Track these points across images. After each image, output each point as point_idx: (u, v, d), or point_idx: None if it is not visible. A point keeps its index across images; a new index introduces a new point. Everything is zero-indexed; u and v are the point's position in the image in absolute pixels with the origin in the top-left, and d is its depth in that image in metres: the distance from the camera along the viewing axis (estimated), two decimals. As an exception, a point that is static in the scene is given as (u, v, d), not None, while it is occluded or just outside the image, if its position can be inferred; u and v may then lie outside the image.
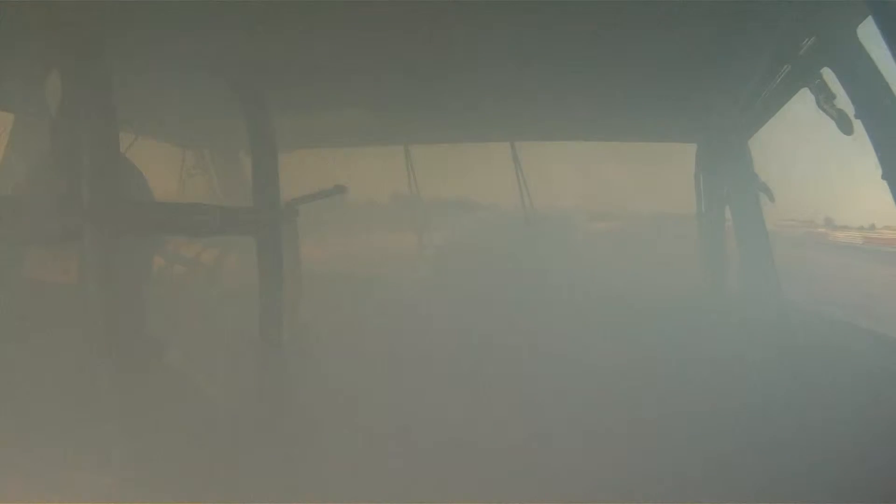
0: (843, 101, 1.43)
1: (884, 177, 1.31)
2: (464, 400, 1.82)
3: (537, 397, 2.15)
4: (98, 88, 0.83)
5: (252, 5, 1.23)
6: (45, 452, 0.91)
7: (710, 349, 2.08)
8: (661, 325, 2.29)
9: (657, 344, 2.18)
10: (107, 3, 0.97)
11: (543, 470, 1.76)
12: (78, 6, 0.86)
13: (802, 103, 1.64)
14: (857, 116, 1.38)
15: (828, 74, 1.46)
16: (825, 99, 1.46)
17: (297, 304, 1.08)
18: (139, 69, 1.26)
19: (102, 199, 0.81)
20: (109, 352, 0.81)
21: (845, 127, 1.43)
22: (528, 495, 1.55)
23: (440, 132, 2.72)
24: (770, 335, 2.04)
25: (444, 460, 1.48)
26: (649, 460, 1.94)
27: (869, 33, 1.23)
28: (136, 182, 1.21)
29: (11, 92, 1.76)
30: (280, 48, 1.52)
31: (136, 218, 0.90)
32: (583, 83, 1.90)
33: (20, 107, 2.02)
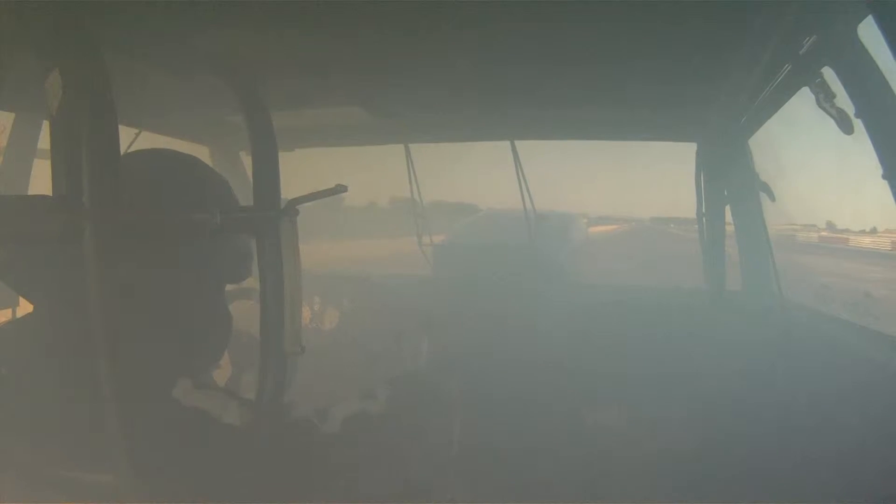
0: (844, 101, 1.43)
1: (884, 176, 1.31)
2: (464, 401, 1.82)
3: (537, 397, 2.15)
4: (98, 88, 0.83)
5: (252, 4, 1.23)
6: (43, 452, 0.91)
7: (709, 349, 2.08)
8: (660, 325, 2.29)
9: (657, 344, 2.19)
10: (107, 2, 0.97)
11: (541, 470, 1.76)
12: (78, 6, 0.86)
13: (802, 102, 1.65)
14: (857, 115, 1.38)
15: (828, 73, 1.46)
16: (825, 98, 1.46)
17: (297, 303, 1.08)
18: (139, 68, 1.26)
19: (102, 199, 0.80)
20: (109, 355, 0.81)
21: (845, 126, 1.42)
22: (527, 495, 1.55)
23: (440, 132, 2.72)
24: (770, 335, 2.04)
25: (444, 464, 1.48)
26: (648, 460, 1.94)
27: (869, 32, 1.23)
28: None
29: (11, 92, 1.76)
30: (280, 47, 1.52)
31: (136, 218, 0.89)
32: (582, 82, 1.90)
33: (20, 107, 2.02)
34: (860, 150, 1.36)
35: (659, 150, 2.77)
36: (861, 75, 1.34)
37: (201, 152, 2.86)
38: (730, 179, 2.35)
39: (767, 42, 1.40)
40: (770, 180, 2.22)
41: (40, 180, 1.99)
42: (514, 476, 1.69)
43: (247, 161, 2.93)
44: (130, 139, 2.22)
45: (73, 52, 0.82)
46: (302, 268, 1.07)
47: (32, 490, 0.89)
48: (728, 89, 1.77)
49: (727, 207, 2.41)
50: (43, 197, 0.85)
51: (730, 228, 2.49)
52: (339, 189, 1.06)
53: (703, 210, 2.43)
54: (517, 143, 2.74)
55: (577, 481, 1.77)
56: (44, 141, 1.73)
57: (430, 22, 1.37)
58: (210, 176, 1.15)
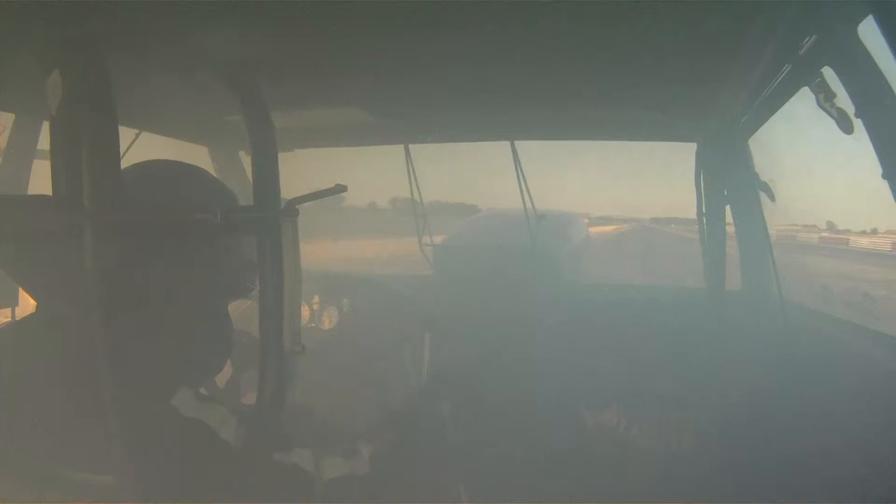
0: (844, 100, 1.43)
1: (884, 176, 1.31)
2: (465, 401, 1.82)
3: (538, 397, 2.16)
4: (98, 88, 0.83)
5: (252, 4, 1.23)
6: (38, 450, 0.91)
7: (709, 349, 2.08)
8: (660, 325, 2.29)
9: (657, 343, 2.19)
10: (107, 2, 0.97)
11: (541, 470, 1.76)
12: (78, 6, 0.86)
13: (802, 102, 1.65)
14: (857, 115, 1.38)
15: (828, 73, 1.46)
16: (825, 98, 1.46)
17: (297, 303, 1.08)
18: (139, 68, 1.26)
19: (102, 199, 0.81)
20: (109, 356, 0.81)
21: (845, 126, 1.42)
22: (526, 495, 1.55)
23: (440, 132, 2.72)
24: (770, 335, 2.04)
25: (442, 466, 1.48)
26: (648, 460, 1.94)
27: (870, 32, 1.23)
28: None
29: (11, 92, 1.76)
30: (280, 47, 1.52)
31: (136, 218, 0.89)
32: (583, 83, 1.90)
33: (20, 107, 2.02)
34: (862, 151, 1.37)
35: (660, 150, 2.77)
36: (861, 75, 1.34)
37: (201, 152, 2.86)
38: (730, 179, 2.35)
39: (767, 42, 1.40)
40: (771, 181, 2.22)
41: (40, 180, 2.00)
42: (513, 476, 1.69)
43: (246, 161, 2.93)
44: (130, 139, 2.22)
45: (73, 52, 0.82)
46: (302, 268, 1.07)
47: (32, 490, 0.89)
48: (728, 89, 1.77)
49: (728, 207, 2.41)
50: (43, 197, 0.85)
51: (731, 229, 2.49)
52: (339, 189, 1.06)
53: (703, 210, 2.43)
54: (517, 143, 2.73)
55: (576, 481, 1.77)
56: (44, 141, 1.73)
57: (430, 22, 1.37)
58: (215, 186, 1.17)
